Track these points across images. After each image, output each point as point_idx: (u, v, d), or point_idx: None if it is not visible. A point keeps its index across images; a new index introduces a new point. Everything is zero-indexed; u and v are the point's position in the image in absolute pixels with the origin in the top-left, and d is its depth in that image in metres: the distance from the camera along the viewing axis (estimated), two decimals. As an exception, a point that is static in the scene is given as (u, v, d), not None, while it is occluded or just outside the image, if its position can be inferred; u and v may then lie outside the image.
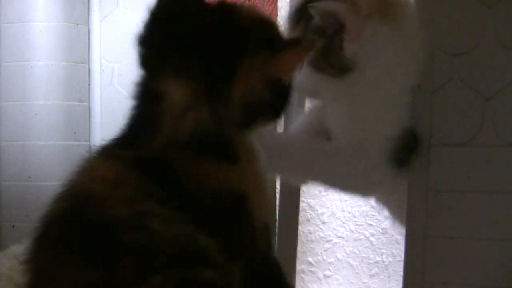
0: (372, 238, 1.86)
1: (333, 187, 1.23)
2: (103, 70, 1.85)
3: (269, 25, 0.96)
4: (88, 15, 1.85)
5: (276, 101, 0.94)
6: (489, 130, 1.08)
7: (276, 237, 1.27)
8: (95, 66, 1.85)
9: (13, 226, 1.76)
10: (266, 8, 1.77)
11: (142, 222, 0.80)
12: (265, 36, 0.93)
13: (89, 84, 1.85)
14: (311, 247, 1.88)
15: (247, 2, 1.73)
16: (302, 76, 1.13)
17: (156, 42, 0.98)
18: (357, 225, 1.84)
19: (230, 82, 0.91)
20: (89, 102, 1.85)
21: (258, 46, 0.92)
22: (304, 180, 1.28)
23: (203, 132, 0.89)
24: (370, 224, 1.85)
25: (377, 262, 1.87)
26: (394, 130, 1.11)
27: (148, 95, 0.95)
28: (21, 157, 1.77)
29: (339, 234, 1.89)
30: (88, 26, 1.85)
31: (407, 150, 1.12)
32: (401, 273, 1.15)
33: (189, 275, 0.79)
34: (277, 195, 1.36)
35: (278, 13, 1.82)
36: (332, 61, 1.12)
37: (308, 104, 1.31)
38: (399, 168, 1.12)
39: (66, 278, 0.79)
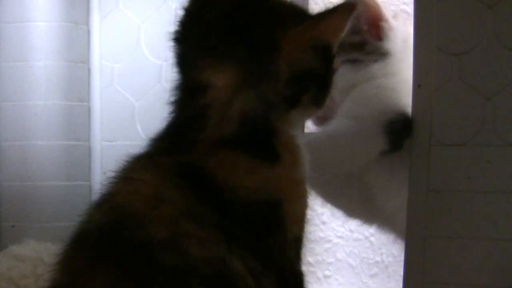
0: (372, 238, 1.86)
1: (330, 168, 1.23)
2: (103, 70, 1.85)
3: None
4: (88, 15, 1.85)
5: (325, 70, 0.91)
6: (490, 130, 1.08)
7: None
8: (95, 66, 1.85)
9: (13, 226, 1.76)
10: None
11: (179, 245, 0.79)
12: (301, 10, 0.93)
13: (88, 84, 1.85)
14: (311, 247, 1.88)
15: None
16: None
17: (192, 36, 0.91)
18: (357, 225, 1.84)
19: (274, 57, 0.87)
20: (88, 102, 1.85)
21: (297, 16, 0.90)
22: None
23: (253, 117, 0.86)
24: (370, 224, 1.85)
25: (377, 262, 1.87)
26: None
27: (189, 92, 0.90)
28: (20, 157, 1.77)
29: (339, 234, 1.89)
30: (88, 26, 1.85)
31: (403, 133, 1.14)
32: (401, 273, 1.15)
33: None
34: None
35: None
36: (368, 50, 1.18)
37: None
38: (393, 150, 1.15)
39: (94, 284, 0.78)
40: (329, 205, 1.65)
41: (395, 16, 1.31)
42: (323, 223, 1.87)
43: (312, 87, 0.89)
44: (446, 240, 1.10)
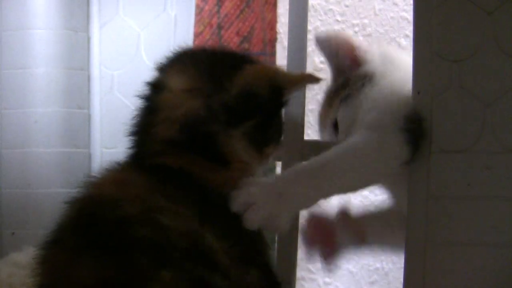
0: (372, 245, 1.86)
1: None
2: (102, 77, 1.85)
3: None
4: (88, 22, 1.85)
5: (272, 109, 0.95)
6: (489, 136, 1.08)
7: (276, 245, 1.27)
8: (95, 73, 1.86)
9: (13, 233, 1.76)
10: (266, 15, 1.77)
11: (153, 217, 0.81)
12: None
13: (88, 91, 1.85)
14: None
15: (246, 9, 1.74)
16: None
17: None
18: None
19: (231, 74, 0.93)
20: (88, 109, 1.85)
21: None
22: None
23: (193, 123, 0.91)
24: (370, 231, 1.85)
25: (377, 269, 1.87)
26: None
27: (151, 90, 0.97)
28: (20, 164, 1.77)
29: (339, 241, 1.88)
30: (87, 33, 1.85)
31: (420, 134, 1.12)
32: (401, 280, 1.15)
33: (199, 273, 0.80)
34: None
35: (278, 20, 1.82)
36: (354, 81, 1.21)
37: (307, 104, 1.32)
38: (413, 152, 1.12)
39: (79, 277, 0.80)
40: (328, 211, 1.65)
41: (369, 46, 1.34)
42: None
43: (256, 117, 0.94)
44: (446, 247, 1.10)
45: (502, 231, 1.07)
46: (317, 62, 1.89)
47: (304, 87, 1.05)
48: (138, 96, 0.98)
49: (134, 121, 0.98)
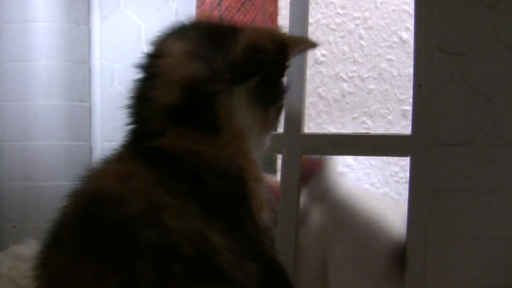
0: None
1: None
2: (103, 70, 1.85)
3: None
4: (89, 15, 1.85)
5: (278, 65, 0.95)
6: (490, 129, 1.08)
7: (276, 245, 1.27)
8: (96, 66, 1.85)
9: (14, 226, 1.76)
10: (267, 8, 1.76)
11: (158, 218, 0.79)
12: None
13: (89, 84, 1.85)
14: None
15: (247, 2, 1.73)
16: None
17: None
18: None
19: (235, 33, 0.93)
20: (89, 102, 1.85)
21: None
22: None
23: (196, 84, 0.89)
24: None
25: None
26: None
27: (149, 60, 0.95)
28: (21, 157, 1.77)
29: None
30: (88, 26, 1.85)
31: None
32: (402, 273, 1.15)
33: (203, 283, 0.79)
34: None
35: (279, 13, 1.82)
36: None
37: (307, 103, 1.32)
38: None
39: (79, 284, 0.78)
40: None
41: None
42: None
43: (261, 73, 0.93)
44: (447, 240, 1.10)
45: (503, 225, 1.07)
46: (318, 55, 1.89)
47: (305, 50, 1.04)
48: (135, 66, 0.96)
49: (131, 92, 0.95)
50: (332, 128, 1.87)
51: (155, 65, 0.92)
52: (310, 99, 1.86)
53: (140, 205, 0.80)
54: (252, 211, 0.88)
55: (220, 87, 0.90)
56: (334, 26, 1.95)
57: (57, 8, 1.78)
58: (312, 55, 1.87)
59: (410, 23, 1.82)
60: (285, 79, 0.98)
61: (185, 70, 0.89)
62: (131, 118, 0.94)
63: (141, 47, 1.81)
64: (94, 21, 1.86)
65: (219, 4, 1.70)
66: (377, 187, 1.88)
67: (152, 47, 0.96)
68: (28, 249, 1.59)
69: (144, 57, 0.96)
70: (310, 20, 1.39)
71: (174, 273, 0.77)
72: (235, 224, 0.86)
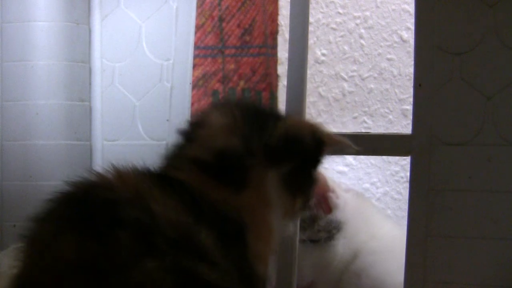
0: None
1: None
2: (104, 70, 1.85)
3: None
4: (89, 15, 1.85)
5: (313, 159, 1.00)
6: (490, 129, 1.08)
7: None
8: (96, 65, 1.85)
9: (14, 225, 1.76)
10: (267, 7, 1.76)
11: (145, 203, 0.82)
12: None
13: (90, 84, 1.85)
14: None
15: (247, 2, 1.73)
16: None
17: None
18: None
19: (276, 119, 0.98)
20: (90, 101, 1.85)
21: None
22: None
23: (228, 158, 0.93)
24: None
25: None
26: None
27: (185, 132, 1.01)
28: (22, 156, 1.77)
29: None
30: (89, 25, 1.85)
31: None
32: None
33: (186, 266, 0.80)
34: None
35: (279, 13, 1.82)
36: (320, 226, 1.25)
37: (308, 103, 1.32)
38: None
39: (61, 250, 0.80)
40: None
41: (347, 191, 1.38)
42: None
43: (296, 161, 0.97)
44: (447, 239, 1.10)
45: (503, 224, 1.07)
46: (318, 55, 1.89)
47: (342, 149, 1.09)
48: (177, 132, 1.01)
49: (167, 153, 1.00)
50: (332, 128, 1.87)
51: (195, 133, 0.98)
52: (310, 99, 1.86)
53: (129, 194, 0.84)
54: (247, 256, 0.90)
55: (251, 162, 0.94)
56: (334, 26, 1.95)
57: (58, 7, 1.78)
58: (312, 55, 1.87)
59: (411, 22, 1.82)
60: (316, 174, 1.01)
61: (221, 141, 0.94)
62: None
63: (142, 47, 1.81)
64: (94, 20, 1.86)
65: (219, 4, 1.70)
66: (377, 187, 1.88)
67: (197, 117, 1.04)
68: (29, 249, 1.59)
69: (187, 124, 1.01)
70: (311, 19, 1.39)
71: (156, 247, 0.79)
72: (224, 237, 0.87)
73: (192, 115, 1.06)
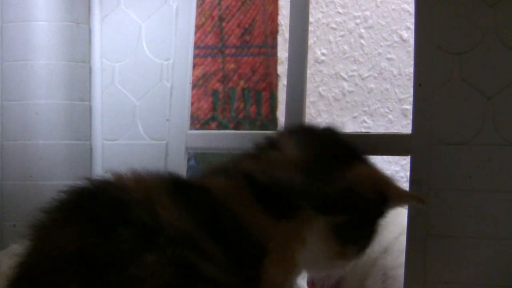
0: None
1: None
2: (104, 69, 1.85)
3: None
4: (89, 14, 1.85)
5: (371, 215, 0.99)
6: (490, 129, 1.08)
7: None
8: (96, 65, 1.85)
9: (14, 225, 1.76)
10: (267, 7, 1.76)
11: (151, 206, 0.83)
12: None
13: (90, 83, 1.85)
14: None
15: (247, 1, 1.73)
16: None
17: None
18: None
19: (344, 167, 0.97)
20: (90, 101, 1.85)
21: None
22: None
23: (283, 189, 0.94)
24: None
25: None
26: None
27: (268, 143, 1.02)
28: (22, 156, 1.77)
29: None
30: (89, 25, 1.85)
31: None
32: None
33: (187, 259, 0.80)
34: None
35: (279, 12, 1.82)
36: None
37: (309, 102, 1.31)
38: None
39: (63, 239, 0.81)
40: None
41: None
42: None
43: (351, 215, 0.96)
44: (447, 239, 1.10)
45: (503, 224, 1.07)
46: (318, 54, 1.89)
47: (409, 204, 1.08)
48: (253, 144, 1.02)
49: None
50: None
51: (264, 150, 1.00)
52: (310, 98, 1.86)
53: (139, 196, 0.85)
54: (260, 279, 0.91)
55: (304, 206, 0.94)
56: (334, 25, 1.95)
57: (57, 7, 1.78)
58: (312, 54, 1.87)
59: (411, 22, 1.82)
60: (378, 227, 1.00)
61: (284, 173, 0.95)
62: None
63: (142, 46, 1.81)
64: (94, 20, 1.86)
65: (219, 4, 1.70)
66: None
67: (276, 136, 1.04)
68: (28, 248, 1.59)
69: (264, 138, 1.03)
70: (311, 19, 1.39)
71: (156, 243, 0.80)
72: (235, 253, 0.88)
73: (281, 125, 1.09)
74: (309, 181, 0.95)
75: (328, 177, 0.96)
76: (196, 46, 1.70)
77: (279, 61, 1.81)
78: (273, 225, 0.93)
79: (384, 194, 0.99)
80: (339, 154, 1.00)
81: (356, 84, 1.91)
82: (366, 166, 1.02)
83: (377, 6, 1.92)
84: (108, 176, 0.92)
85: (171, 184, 0.90)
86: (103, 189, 0.88)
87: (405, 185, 1.70)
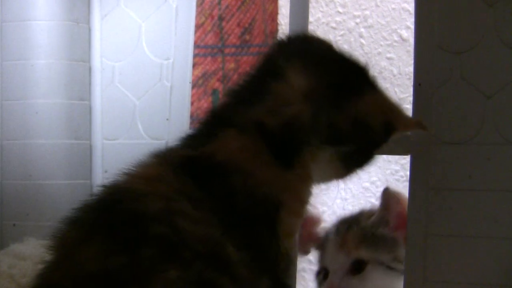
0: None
1: None
2: (103, 69, 1.85)
3: None
4: (89, 14, 1.85)
5: (377, 142, 1.00)
6: (490, 128, 1.08)
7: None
8: (96, 64, 1.85)
9: (14, 224, 1.76)
10: (267, 6, 1.76)
11: (171, 219, 0.82)
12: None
13: (89, 83, 1.85)
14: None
15: (247, 0, 1.73)
16: None
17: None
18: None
19: (353, 97, 0.95)
20: (89, 100, 1.85)
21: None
22: None
23: (293, 127, 0.92)
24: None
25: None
26: None
27: (265, 73, 0.97)
28: (21, 155, 1.77)
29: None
30: (88, 24, 1.85)
31: None
32: (402, 271, 1.15)
33: (208, 276, 0.80)
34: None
35: (279, 12, 1.82)
36: (400, 257, 1.31)
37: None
38: None
39: (83, 259, 0.80)
40: (330, 203, 1.66)
41: None
42: (324, 221, 1.87)
43: (358, 144, 0.97)
44: (447, 239, 1.10)
45: (503, 223, 1.07)
46: (318, 54, 1.89)
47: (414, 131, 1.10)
48: (250, 65, 1.01)
49: (231, 88, 1.00)
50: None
51: (270, 84, 0.94)
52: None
53: (157, 206, 0.83)
54: (277, 235, 0.91)
55: (313, 141, 0.93)
56: (334, 25, 1.95)
57: (57, 6, 1.78)
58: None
59: (411, 21, 1.82)
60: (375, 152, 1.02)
61: (294, 109, 0.92)
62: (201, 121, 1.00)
63: (141, 46, 1.81)
64: (94, 19, 1.86)
65: (219, 3, 1.70)
66: (377, 186, 1.88)
67: (277, 56, 0.98)
68: (28, 248, 1.59)
69: (263, 56, 0.99)
70: (311, 18, 1.39)
71: (180, 257, 0.80)
72: (253, 243, 0.87)
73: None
74: (318, 112, 0.93)
75: (337, 110, 0.95)
76: (196, 46, 1.69)
77: (279, 60, 1.81)
78: (283, 177, 0.92)
79: (392, 124, 1.00)
80: (346, 81, 0.98)
81: (356, 84, 1.91)
82: (373, 94, 1.00)
83: (377, 6, 1.92)
84: (116, 178, 0.90)
85: (187, 178, 0.88)
86: (119, 200, 0.85)
87: (405, 184, 1.70)
